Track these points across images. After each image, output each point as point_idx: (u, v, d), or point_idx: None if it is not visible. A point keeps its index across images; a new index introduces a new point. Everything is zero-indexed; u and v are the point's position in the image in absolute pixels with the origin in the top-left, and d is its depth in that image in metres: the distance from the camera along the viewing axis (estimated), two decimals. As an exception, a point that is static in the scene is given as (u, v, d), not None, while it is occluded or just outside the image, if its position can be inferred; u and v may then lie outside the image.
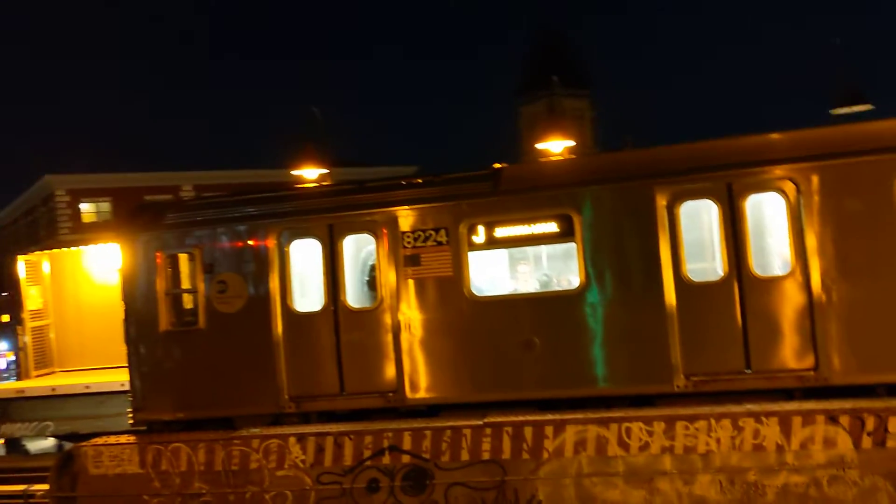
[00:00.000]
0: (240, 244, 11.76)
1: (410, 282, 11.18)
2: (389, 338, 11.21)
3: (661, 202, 10.52)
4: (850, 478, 9.35)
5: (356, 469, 10.56)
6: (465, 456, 10.26)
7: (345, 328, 11.39)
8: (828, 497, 9.37)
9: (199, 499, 10.93)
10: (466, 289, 10.97)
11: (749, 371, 10.25)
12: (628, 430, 9.86)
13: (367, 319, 11.37)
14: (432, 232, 11.13)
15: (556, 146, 16.95)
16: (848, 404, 9.48)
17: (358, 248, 11.97)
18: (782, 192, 10.29)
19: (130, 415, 12.07)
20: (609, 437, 9.89)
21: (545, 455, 10.06)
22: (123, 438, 11.49)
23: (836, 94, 17.59)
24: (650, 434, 9.81)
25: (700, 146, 10.92)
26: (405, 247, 11.20)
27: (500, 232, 11.11)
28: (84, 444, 11.49)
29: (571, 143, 17.00)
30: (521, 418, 10.26)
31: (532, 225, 11.02)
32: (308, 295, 11.93)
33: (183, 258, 12.13)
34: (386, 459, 10.47)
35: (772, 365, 10.21)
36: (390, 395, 11.16)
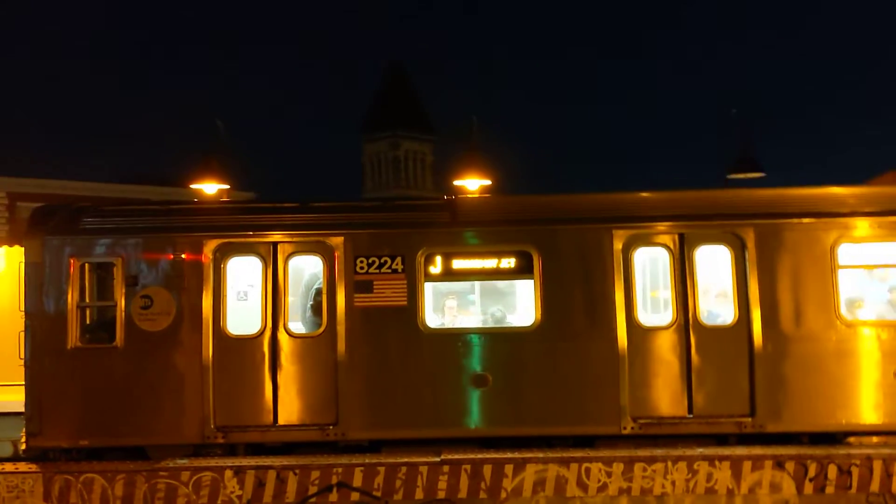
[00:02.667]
0: (170, 257, 10.87)
1: (360, 309, 10.72)
2: (332, 367, 10.69)
3: (618, 246, 10.77)
4: (792, 522, 9.85)
5: (298, 506, 9.90)
6: (419, 494, 9.92)
7: (283, 355, 10.76)
8: (771, 540, 9.82)
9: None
10: (420, 320, 10.69)
11: (691, 416, 10.61)
12: (588, 471, 9.93)
13: (309, 347, 10.83)
14: (388, 259, 10.80)
15: (472, 184, 17.13)
16: (793, 451, 10.05)
17: (303, 271, 11.39)
18: (729, 245, 10.83)
19: (24, 440, 10.70)
20: (569, 476, 9.91)
21: (503, 494, 9.93)
22: (24, 466, 10.17)
23: (733, 160, 19.04)
24: (609, 475, 9.92)
25: (658, 196, 11.34)
26: (357, 272, 10.76)
27: (458, 264, 10.98)
28: (-25, 472, 10.05)
29: (488, 182, 17.25)
30: (480, 456, 10.08)
31: (490, 259, 10.97)
32: (244, 317, 11.17)
33: (100, 268, 11.02)
34: (333, 497, 9.93)
35: (712, 411, 10.62)
36: (330, 428, 10.60)
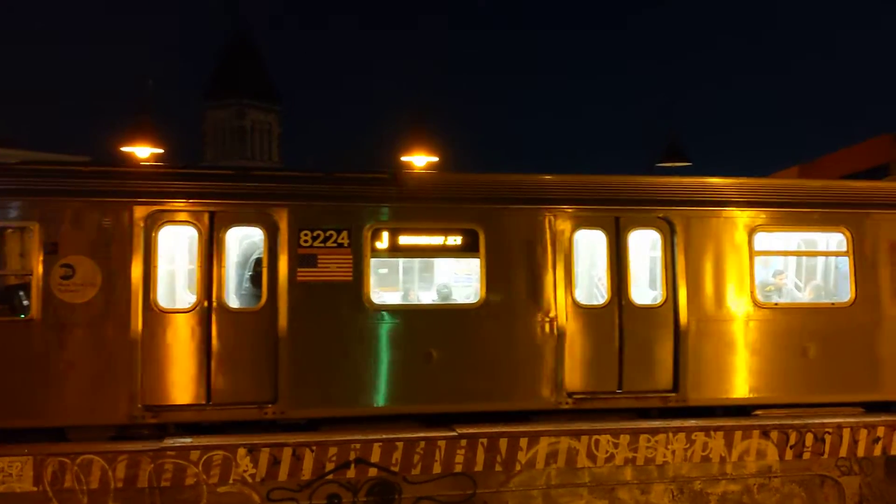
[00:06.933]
0: (96, 224, 10.02)
1: (303, 284, 10.40)
2: (271, 343, 10.25)
3: (558, 228, 11.11)
4: (774, 485, 10.79)
5: (314, 484, 9.69)
6: (437, 468, 9.95)
7: (219, 330, 10.23)
8: (756, 502, 10.68)
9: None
10: (366, 296, 10.57)
11: (620, 391, 11.11)
12: (597, 443, 10.33)
13: (247, 322, 10.37)
14: (333, 232, 10.53)
15: (419, 160, 16.99)
16: (776, 421, 10.90)
17: (242, 242, 11.00)
18: (659, 230, 11.42)
19: None
20: (579, 448, 10.28)
21: (517, 467, 10.16)
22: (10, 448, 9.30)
23: (661, 149, 19.93)
24: (616, 446, 10.37)
25: (595, 179, 11.79)
26: (302, 245, 10.44)
27: (405, 240, 10.96)
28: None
29: (435, 158, 17.14)
30: (496, 430, 10.24)
31: (437, 236, 11.03)
32: (176, 290, 10.64)
33: (14, 233, 10.15)
34: (350, 473, 9.75)
35: (640, 386, 11.16)
36: (268, 406, 10.20)
